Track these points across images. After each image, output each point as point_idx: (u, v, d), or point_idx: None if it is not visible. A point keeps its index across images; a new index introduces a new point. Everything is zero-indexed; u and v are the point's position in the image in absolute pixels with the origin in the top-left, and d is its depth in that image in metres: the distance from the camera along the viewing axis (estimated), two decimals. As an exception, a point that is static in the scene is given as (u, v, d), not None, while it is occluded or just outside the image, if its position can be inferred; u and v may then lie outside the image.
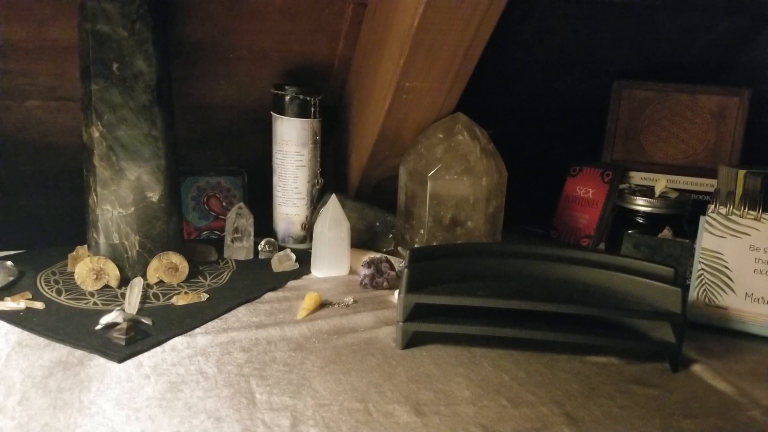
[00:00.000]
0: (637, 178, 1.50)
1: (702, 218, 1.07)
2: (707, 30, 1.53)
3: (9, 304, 1.01)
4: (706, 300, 1.06)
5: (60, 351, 0.90)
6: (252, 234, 1.27)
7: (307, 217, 1.34)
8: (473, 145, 1.23)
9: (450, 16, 1.09)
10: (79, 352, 0.90)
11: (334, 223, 1.20)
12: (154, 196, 1.11)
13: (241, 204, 1.28)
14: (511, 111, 1.57)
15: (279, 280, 1.18)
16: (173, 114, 1.14)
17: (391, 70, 1.18)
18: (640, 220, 1.31)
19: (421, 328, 0.96)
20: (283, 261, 1.22)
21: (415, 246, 1.26)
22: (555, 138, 1.65)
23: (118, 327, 0.94)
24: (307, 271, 1.23)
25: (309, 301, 1.06)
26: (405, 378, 0.87)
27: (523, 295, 0.97)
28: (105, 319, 0.96)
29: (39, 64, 1.17)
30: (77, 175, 1.15)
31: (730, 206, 1.05)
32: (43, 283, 1.11)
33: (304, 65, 1.33)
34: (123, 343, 0.91)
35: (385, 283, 1.17)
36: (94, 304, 1.04)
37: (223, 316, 1.03)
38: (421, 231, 1.26)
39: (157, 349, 0.92)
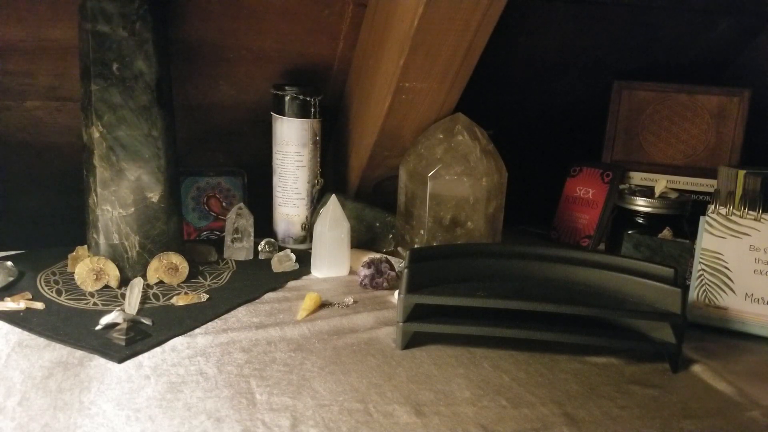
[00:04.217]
0: (637, 178, 1.50)
1: (702, 219, 1.07)
2: (707, 30, 1.53)
3: (9, 305, 1.01)
4: (706, 300, 1.06)
5: (60, 351, 0.90)
6: (252, 234, 1.27)
7: (307, 217, 1.35)
8: (473, 145, 1.23)
9: (450, 16, 1.09)
10: (79, 353, 0.90)
11: (334, 223, 1.20)
12: (154, 196, 1.11)
13: (241, 204, 1.28)
14: (511, 111, 1.57)
15: (279, 281, 1.18)
16: (173, 114, 1.14)
17: (391, 70, 1.18)
18: (640, 221, 1.31)
19: (421, 328, 0.96)
20: (283, 261, 1.22)
21: (415, 246, 1.26)
22: (555, 138, 1.65)
23: (118, 327, 0.95)
24: (307, 272, 1.23)
25: (309, 302, 1.06)
26: (405, 378, 0.87)
27: (523, 296, 0.98)
28: (105, 320, 0.96)
29: (39, 64, 1.17)
30: (77, 175, 1.15)
31: (730, 206, 1.05)
32: (43, 284, 1.11)
33: (304, 65, 1.33)
34: (123, 343, 0.91)
35: (385, 284, 1.17)
36: (94, 304, 1.04)
37: (223, 317, 1.03)
38: (421, 231, 1.26)
39: (157, 349, 0.92)
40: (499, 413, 0.80)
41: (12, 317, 0.98)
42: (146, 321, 0.98)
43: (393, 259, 1.22)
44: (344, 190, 1.42)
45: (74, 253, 1.18)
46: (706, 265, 1.06)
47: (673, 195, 1.33)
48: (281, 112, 1.29)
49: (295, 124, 1.29)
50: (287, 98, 1.27)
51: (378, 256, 1.21)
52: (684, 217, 1.30)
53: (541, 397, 0.84)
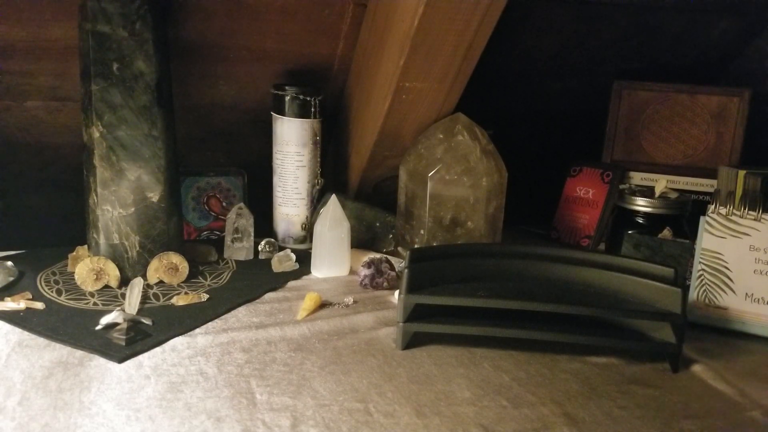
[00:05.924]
0: (637, 178, 1.50)
1: (702, 219, 1.07)
2: (707, 30, 1.53)
3: (9, 305, 1.01)
4: (706, 300, 1.06)
5: (60, 351, 0.90)
6: (252, 234, 1.27)
7: (307, 217, 1.34)
8: (473, 145, 1.23)
9: (450, 16, 1.09)
10: (79, 353, 0.90)
11: (334, 223, 1.20)
12: (154, 196, 1.11)
13: (242, 204, 1.28)
14: (511, 111, 1.57)
15: (279, 281, 1.18)
16: (173, 114, 1.14)
17: (391, 70, 1.18)
18: (640, 221, 1.31)
19: (422, 328, 0.96)
20: (283, 261, 1.22)
21: (416, 246, 1.26)
22: (555, 138, 1.65)
23: (119, 327, 0.94)
24: (307, 272, 1.23)
25: (309, 302, 1.06)
26: (405, 379, 0.88)
27: (523, 296, 0.97)
28: (105, 320, 0.96)
29: (39, 64, 1.17)
30: (77, 175, 1.15)
31: (730, 207, 1.05)
32: (43, 284, 1.11)
33: (304, 65, 1.33)
34: (123, 343, 0.91)
35: (385, 284, 1.17)
36: (94, 304, 1.04)
37: (223, 317, 1.03)
38: (421, 231, 1.26)
39: (158, 349, 0.92)
40: (499, 413, 0.80)
41: (12, 317, 0.98)
42: (146, 321, 0.98)
43: (393, 259, 1.22)
44: (344, 190, 1.42)
45: (74, 253, 1.18)
46: (706, 265, 1.06)
47: (673, 195, 1.33)
48: (281, 112, 1.29)
49: (295, 124, 1.29)
50: (287, 98, 1.27)
51: (378, 256, 1.21)
52: (684, 217, 1.30)
53: (542, 397, 0.84)
